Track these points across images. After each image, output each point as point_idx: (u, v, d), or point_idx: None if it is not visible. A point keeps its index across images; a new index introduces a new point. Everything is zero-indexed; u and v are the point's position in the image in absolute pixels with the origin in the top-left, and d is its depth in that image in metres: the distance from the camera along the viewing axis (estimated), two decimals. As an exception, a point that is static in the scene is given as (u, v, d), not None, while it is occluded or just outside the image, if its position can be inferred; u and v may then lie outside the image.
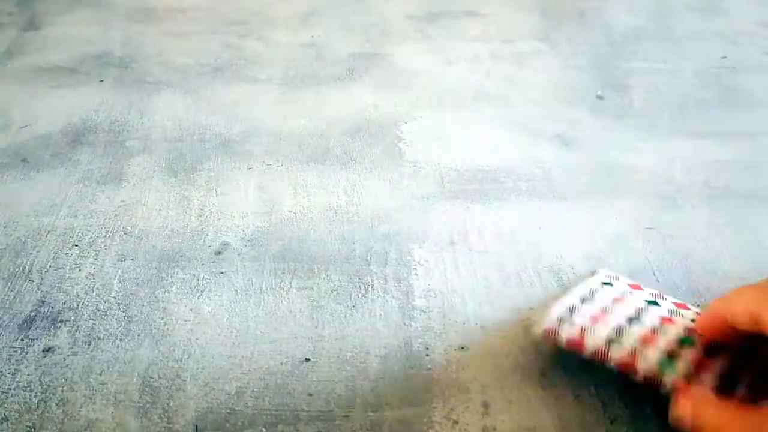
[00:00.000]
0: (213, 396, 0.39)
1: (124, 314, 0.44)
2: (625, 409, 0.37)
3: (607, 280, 0.41)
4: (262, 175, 0.57)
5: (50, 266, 0.48)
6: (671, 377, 0.33)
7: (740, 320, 0.31)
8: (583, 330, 0.37)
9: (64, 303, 0.45)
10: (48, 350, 0.42)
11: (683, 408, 0.31)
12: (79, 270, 0.48)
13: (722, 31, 0.80)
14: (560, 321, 0.38)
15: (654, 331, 0.36)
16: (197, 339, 0.42)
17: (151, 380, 0.40)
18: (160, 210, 0.53)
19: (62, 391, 0.39)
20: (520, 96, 0.68)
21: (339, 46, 0.77)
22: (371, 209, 0.53)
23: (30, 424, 0.37)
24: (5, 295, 0.46)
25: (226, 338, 0.42)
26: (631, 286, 0.41)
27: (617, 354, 0.35)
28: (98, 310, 0.44)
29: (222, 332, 0.43)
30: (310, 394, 0.39)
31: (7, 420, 0.38)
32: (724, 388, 0.32)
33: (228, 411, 0.38)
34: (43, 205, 0.54)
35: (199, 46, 0.77)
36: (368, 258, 0.48)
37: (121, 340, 0.42)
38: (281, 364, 0.41)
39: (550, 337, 0.38)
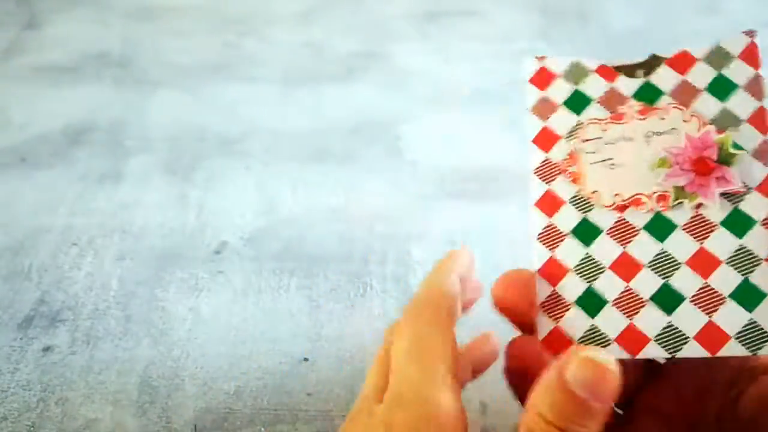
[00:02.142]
0: (212, 395, 0.39)
1: (122, 313, 0.44)
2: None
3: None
4: (261, 175, 0.57)
5: (49, 265, 0.48)
6: None
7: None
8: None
9: (63, 302, 0.45)
10: (47, 349, 0.42)
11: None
12: (78, 269, 0.48)
13: (722, 31, 0.80)
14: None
15: None
16: (196, 338, 0.42)
17: (150, 380, 0.40)
18: (158, 209, 0.53)
19: (61, 390, 0.39)
20: (520, 95, 0.68)
21: (339, 46, 0.77)
22: (370, 209, 0.53)
23: (29, 423, 0.37)
24: (4, 294, 0.46)
25: (225, 338, 0.42)
26: None
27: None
28: (97, 310, 0.44)
29: (221, 332, 0.43)
30: (309, 394, 0.39)
31: (7, 419, 0.38)
32: None
33: (227, 410, 0.38)
34: (42, 204, 0.54)
35: (198, 46, 0.77)
36: (367, 257, 0.48)
37: (120, 339, 0.42)
38: (280, 363, 0.41)
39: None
